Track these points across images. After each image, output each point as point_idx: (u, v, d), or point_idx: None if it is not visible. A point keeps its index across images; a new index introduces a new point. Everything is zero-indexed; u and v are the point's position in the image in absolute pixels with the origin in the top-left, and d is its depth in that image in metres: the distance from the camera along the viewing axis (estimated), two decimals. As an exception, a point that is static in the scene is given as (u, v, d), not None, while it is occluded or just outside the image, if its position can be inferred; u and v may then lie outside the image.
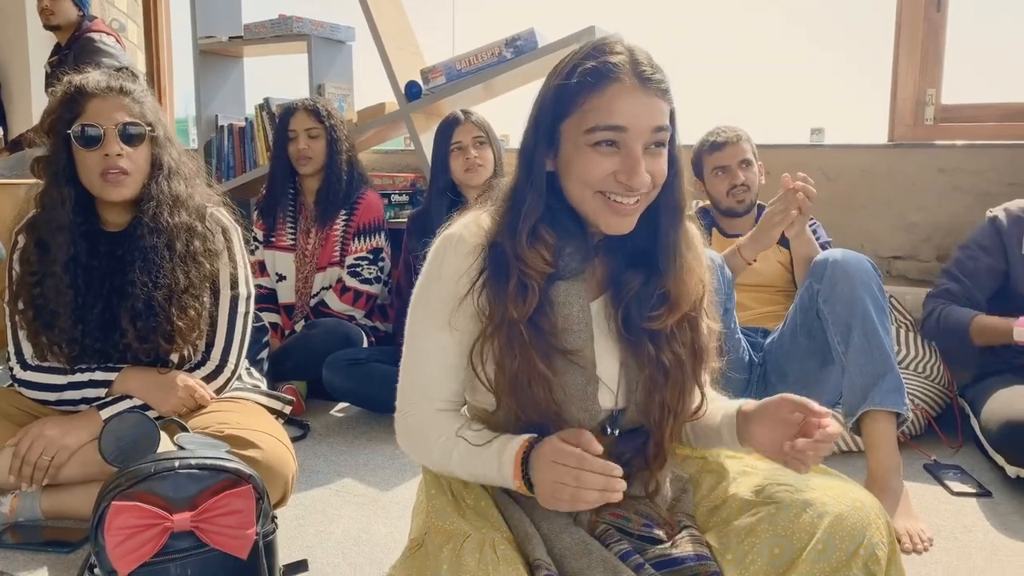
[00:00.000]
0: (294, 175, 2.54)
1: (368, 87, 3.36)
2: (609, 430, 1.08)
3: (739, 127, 2.19)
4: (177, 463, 1.11)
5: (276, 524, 1.17)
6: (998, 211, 2.05)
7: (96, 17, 3.49)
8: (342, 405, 2.30)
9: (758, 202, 2.20)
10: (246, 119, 3.13)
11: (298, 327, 2.46)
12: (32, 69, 3.85)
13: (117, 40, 3.47)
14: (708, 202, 2.24)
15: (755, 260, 1.96)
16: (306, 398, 2.30)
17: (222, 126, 3.11)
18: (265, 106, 2.99)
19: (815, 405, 1.00)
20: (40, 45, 3.86)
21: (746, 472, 1.13)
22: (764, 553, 1.00)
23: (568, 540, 1.03)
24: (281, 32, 2.90)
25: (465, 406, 1.15)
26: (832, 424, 0.99)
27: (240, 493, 1.10)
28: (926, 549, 1.44)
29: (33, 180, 3.38)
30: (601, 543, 1.03)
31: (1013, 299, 1.97)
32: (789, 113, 2.99)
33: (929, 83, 2.47)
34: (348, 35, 3.07)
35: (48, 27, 3.45)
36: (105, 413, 1.51)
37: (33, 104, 3.84)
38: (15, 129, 3.78)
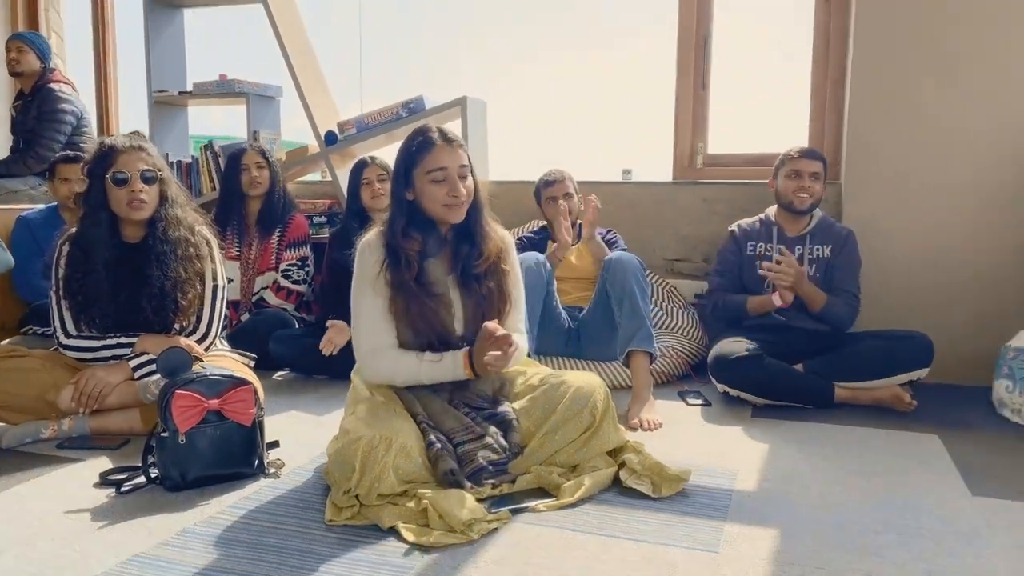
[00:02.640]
0: (240, 200, 3.31)
1: (291, 132, 4.15)
2: (462, 344, 1.97)
3: (565, 169, 3.13)
4: (208, 373, 1.91)
5: (263, 411, 1.99)
6: (735, 226, 3.03)
7: (56, 68, 4.07)
8: (280, 373, 3.09)
9: (579, 222, 3.16)
10: (192, 157, 3.85)
11: (244, 318, 3.22)
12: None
13: (72, 88, 4.10)
14: (545, 223, 3.19)
15: (562, 258, 2.92)
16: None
17: (171, 163, 3.82)
18: (209, 147, 3.73)
19: (498, 330, 1.86)
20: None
21: (537, 373, 2.05)
22: (539, 408, 1.91)
23: (436, 406, 1.91)
24: (225, 91, 3.66)
25: None
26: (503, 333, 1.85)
27: (246, 389, 1.91)
28: (655, 429, 2.39)
29: (8, 206, 3.97)
30: (455, 409, 1.92)
31: (745, 285, 2.95)
32: (608, 157, 4.03)
33: (699, 139, 3.50)
34: (277, 92, 3.86)
35: (13, 74, 4.02)
36: (132, 363, 2.28)
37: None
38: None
